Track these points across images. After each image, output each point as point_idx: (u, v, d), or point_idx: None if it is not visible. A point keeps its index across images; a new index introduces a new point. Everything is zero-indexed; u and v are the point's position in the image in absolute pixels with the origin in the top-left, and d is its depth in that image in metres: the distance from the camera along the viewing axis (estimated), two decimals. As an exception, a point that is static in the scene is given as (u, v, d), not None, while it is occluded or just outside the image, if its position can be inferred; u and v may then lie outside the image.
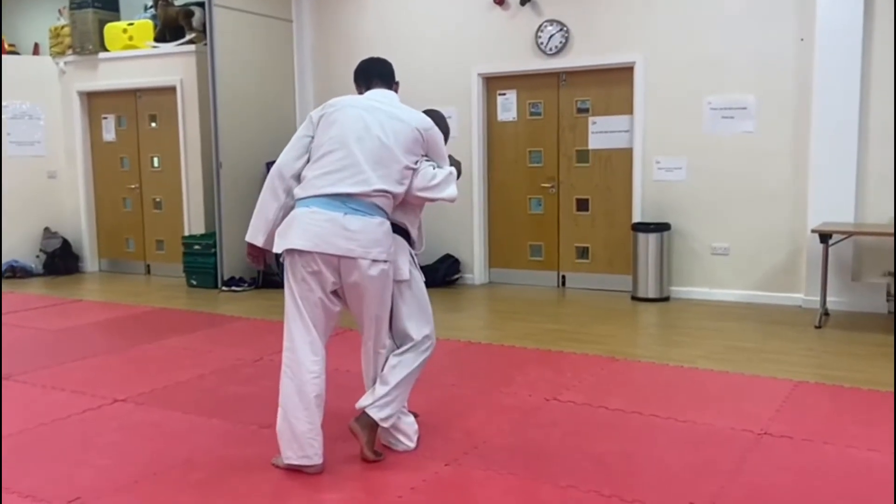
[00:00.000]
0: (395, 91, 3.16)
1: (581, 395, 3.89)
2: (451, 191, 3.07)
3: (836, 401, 3.81)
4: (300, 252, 2.86)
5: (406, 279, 3.07)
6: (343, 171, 2.87)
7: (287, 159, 2.99)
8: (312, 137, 2.98)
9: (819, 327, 5.26)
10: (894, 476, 2.87)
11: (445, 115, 3.43)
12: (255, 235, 3.01)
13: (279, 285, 3.00)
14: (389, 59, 3.22)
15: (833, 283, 5.64)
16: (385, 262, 2.92)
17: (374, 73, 3.15)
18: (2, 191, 8.06)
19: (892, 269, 5.55)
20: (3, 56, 8.52)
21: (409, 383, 3.10)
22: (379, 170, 2.89)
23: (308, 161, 2.96)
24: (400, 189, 2.96)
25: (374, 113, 2.96)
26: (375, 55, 3.31)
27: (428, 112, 3.29)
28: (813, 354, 4.68)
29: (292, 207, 2.93)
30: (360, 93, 3.14)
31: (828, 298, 5.47)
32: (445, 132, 3.34)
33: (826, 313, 5.44)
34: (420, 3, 7.31)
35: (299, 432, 2.91)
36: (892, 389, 3.86)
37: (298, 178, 2.96)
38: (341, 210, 2.84)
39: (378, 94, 3.08)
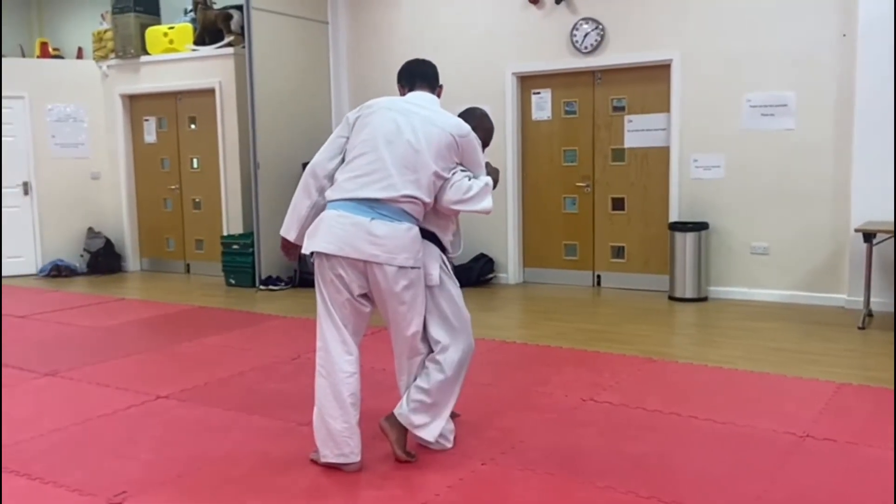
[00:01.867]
0: (439, 94, 3.13)
1: (618, 395, 3.87)
2: (486, 203, 3.00)
3: (881, 403, 3.72)
4: (327, 255, 2.88)
5: (435, 284, 3.04)
6: (371, 176, 2.86)
7: (321, 159, 3.01)
8: (348, 138, 2.98)
9: (862, 328, 5.16)
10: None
11: None
12: (288, 230, 3.06)
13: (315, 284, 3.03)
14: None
15: (877, 283, 5.51)
16: (413, 268, 2.89)
17: (418, 75, 3.12)
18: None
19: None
20: (49, 60, 8.80)
21: (444, 390, 3.03)
22: (407, 175, 2.86)
23: (342, 161, 2.97)
24: (430, 196, 2.93)
25: (409, 116, 2.93)
26: (410, 56, 3.32)
27: (470, 110, 3.28)
28: (856, 356, 4.59)
29: (324, 206, 2.94)
30: (403, 94, 3.12)
31: (871, 299, 5.35)
32: (489, 130, 3.31)
33: (870, 314, 5.33)
34: (454, 2, 7.32)
35: (335, 431, 2.93)
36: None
37: (332, 177, 2.97)
38: (368, 215, 2.84)
39: (418, 98, 3.05)
